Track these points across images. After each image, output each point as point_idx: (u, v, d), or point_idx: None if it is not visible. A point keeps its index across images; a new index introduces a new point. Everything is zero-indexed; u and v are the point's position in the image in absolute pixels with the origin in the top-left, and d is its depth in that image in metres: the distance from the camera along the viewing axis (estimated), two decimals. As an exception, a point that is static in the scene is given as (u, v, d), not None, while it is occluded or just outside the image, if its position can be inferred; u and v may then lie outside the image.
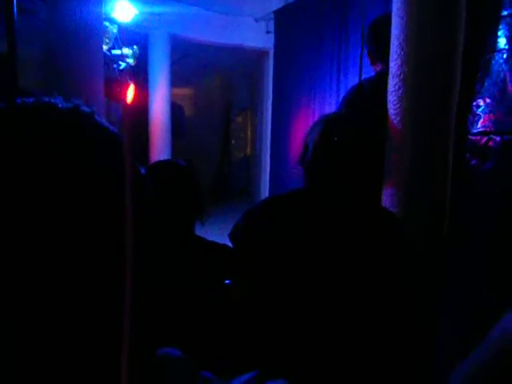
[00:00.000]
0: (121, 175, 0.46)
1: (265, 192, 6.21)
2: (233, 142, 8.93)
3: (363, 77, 3.43)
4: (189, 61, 6.55)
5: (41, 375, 0.39)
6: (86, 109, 0.47)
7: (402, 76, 1.94)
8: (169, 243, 1.13)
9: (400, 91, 1.94)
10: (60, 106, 0.45)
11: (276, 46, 5.02)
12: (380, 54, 2.15)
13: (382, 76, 2.07)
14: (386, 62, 2.00)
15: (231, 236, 1.35)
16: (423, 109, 1.91)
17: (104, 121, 0.48)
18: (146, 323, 0.46)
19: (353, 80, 3.67)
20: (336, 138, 1.23)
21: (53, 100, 0.46)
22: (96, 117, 0.47)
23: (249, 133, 8.84)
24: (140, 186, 0.50)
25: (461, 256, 2.01)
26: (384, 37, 1.99)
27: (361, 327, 1.06)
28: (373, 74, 2.41)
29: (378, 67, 2.29)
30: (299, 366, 0.84)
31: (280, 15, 4.97)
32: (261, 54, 6.24)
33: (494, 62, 1.88)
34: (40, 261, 0.37)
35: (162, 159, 1.40)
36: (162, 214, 1.12)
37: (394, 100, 1.97)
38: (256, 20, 5.71)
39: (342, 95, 3.65)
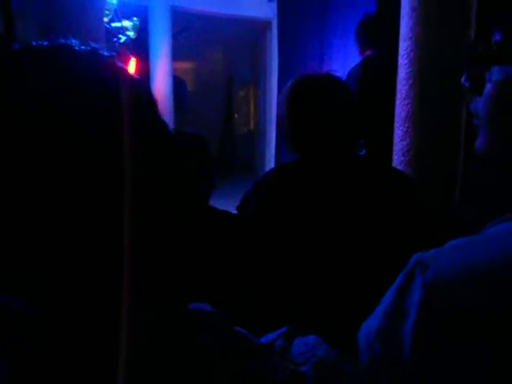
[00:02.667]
0: (143, 121, 0.44)
1: (269, 166, 6.17)
2: (236, 116, 8.85)
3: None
4: (190, 33, 6.42)
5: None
6: (105, 52, 0.44)
7: (413, 38, 1.89)
8: (184, 211, 1.12)
9: (412, 54, 1.89)
10: (77, 48, 0.43)
11: (279, 15, 4.89)
12: (370, 44, 2.57)
13: (375, 57, 2.52)
14: (376, 47, 2.51)
15: (240, 208, 1.33)
16: (435, 71, 1.87)
17: (123, 66, 0.45)
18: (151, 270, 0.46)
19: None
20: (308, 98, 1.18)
21: (69, 42, 0.43)
22: (116, 61, 0.45)
23: (252, 107, 8.74)
24: (161, 131, 0.47)
25: (473, 225, 1.98)
26: (375, 33, 2.51)
27: (378, 287, 1.05)
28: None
29: (369, 52, 2.61)
30: (321, 322, 0.84)
31: (283, -18, 4.83)
32: (263, 25, 6.11)
33: None
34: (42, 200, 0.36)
35: (175, 129, 1.38)
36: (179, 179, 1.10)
37: (406, 63, 1.92)
38: (257, -12, 5.57)
39: (351, 64, 3.59)
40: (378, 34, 2.50)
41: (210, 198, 1.31)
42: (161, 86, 5.47)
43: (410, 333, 0.42)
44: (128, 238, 0.40)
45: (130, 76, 0.45)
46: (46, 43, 0.42)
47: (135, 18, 4.83)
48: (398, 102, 1.96)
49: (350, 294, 1.03)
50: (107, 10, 4.29)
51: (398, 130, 1.94)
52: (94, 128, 0.38)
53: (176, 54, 5.82)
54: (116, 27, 4.72)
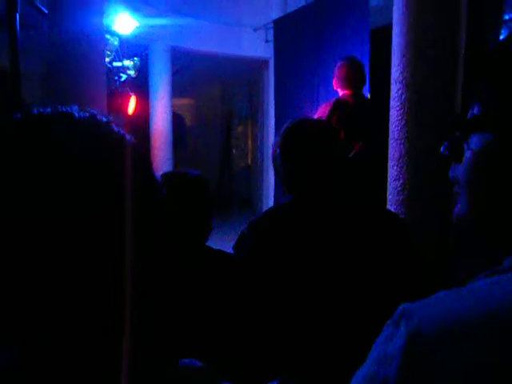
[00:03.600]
0: (137, 182, 0.47)
1: (267, 202, 6.20)
2: (234, 151, 8.95)
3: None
4: (189, 71, 6.58)
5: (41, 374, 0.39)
6: (103, 118, 0.47)
7: (404, 82, 1.95)
8: (180, 254, 1.13)
9: (403, 97, 1.95)
10: (76, 115, 0.45)
11: (276, 55, 5.04)
12: (344, 85, 2.90)
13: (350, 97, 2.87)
14: (349, 89, 2.87)
15: (236, 247, 1.35)
16: (426, 113, 1.92)
17: (120, 129, 0.48)
18: (149, 328, 0.47)
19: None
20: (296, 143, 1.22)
21: (69, 109, 0.46)
22: (113, 126, 0.47)
23: (249, 142, 8.86)
24: (154, 194, 0.50)
25: (468, 268, 1.99)
26: (347, 77, 2.86)
27: (370, 331, 1.05)
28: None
29: (341, 92, 2.94)
30: (313, 372, 0.84)
31: (279, 24, 5.00)
32: (261, 63, 6.28)
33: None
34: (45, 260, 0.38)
35: (176, 170, 1.38)
36: (173, 225, 1.12)
37: (397, 106, 1.98)
38: (255, 30, 5.75)
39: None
40: (350, 78, 2.85)
41: (207, 239, 1.32)
42: (160, 122, 5.58)
43: (392, 381, 0.43)
44: (130, 286, 0.41)
45: (128, 140, 0.48)
46: (47, 111, 0.45)
47: (136, 58, 4.97)
48: (390, 142, 2.00)
49: (341, 340, 1.03)
50: (109, 50, 4.42)
51: (392, 170, 1.98)
52: (93, 194, 0.41)
53: (175, 91, 5.95)
54: (117, 66, 4.86)
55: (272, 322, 1.09)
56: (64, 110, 0.45)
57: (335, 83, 2.93)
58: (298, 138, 1.22)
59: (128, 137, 0.48)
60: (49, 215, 0.39)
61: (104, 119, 0.47)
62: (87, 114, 0.46)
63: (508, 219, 0.48)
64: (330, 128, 1.30)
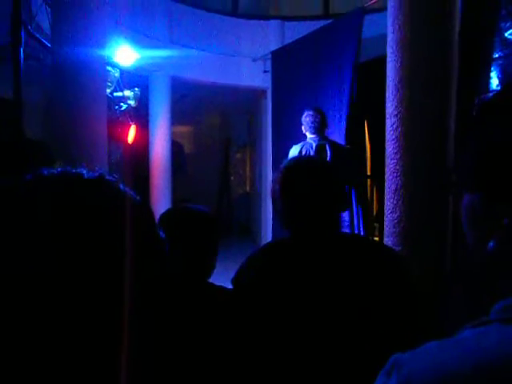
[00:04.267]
0: (141, 239, 0.49)
1: (266, 229, 6.20)
2: (232, 178, 9.00)
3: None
4: (189, 100, 6.69)
5: None
6: (111, 177, 0.49)
7: (399, 116, 2.00)
8: (183, 292, 1.14)
9: (398, 130, 1.99)
10: (85, 176, 0.48)
11: (273, 84, 5.15)
12: (311, 131, 3.43)
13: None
14: (314, 133, 3.43)
15: (235, 281, 1.35)
16: (420, 146, 1.96)
17: (127, 188, 0.51)
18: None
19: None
20: (297, 182, 1.25)
21: (78, 171, 0.48)
22: (120, 185, 0.50)
23: (248, 169, 8.92)
24: (157, 249, 0.52)
25: (466, 294, 2.00)
26: (315, 123, 3.42)
27: (365, 367, 1.06)
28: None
29: (308, 136, 3.44)
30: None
31: (277, 55, 5.13)
32: (259, 93, 6.38)
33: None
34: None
35: (185, 206, 1.36)
36: (175, 268, 1.13)
37: (393, 139, 2.02)
38: (254, 60, 5.88)
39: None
40: (315, 125, 3.41)
41: (210, 275, 1.32)
42: (159, 150, 5.64)
43: None
44: (129, 336, 0.43)
45: (134, 198, 0.50)
46: (57, 171, 0.48)
47: (136, 88, 5.06)
48: (387, 175, 2.03)
49: (338, 379, 1.04)
50: (110, 81, 4.51)
51: (389, 202, 2.01)
52: (100, 254, 0.43)
53: (175, 119, 6.03)
54: (118, 96, 4.94)
55: (267, 358, 1.09)
56: (73, 171, 0.48)
57: (303, 128, 3.51)
58: (298, 173, 1.25)
59: (134, 194, 0.51)
60: (56, 275, 0.40)
61: (112, 179, 0.49)
62: (96, 174, 0.49)
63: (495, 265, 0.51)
64: (329, 164, 1.33)
